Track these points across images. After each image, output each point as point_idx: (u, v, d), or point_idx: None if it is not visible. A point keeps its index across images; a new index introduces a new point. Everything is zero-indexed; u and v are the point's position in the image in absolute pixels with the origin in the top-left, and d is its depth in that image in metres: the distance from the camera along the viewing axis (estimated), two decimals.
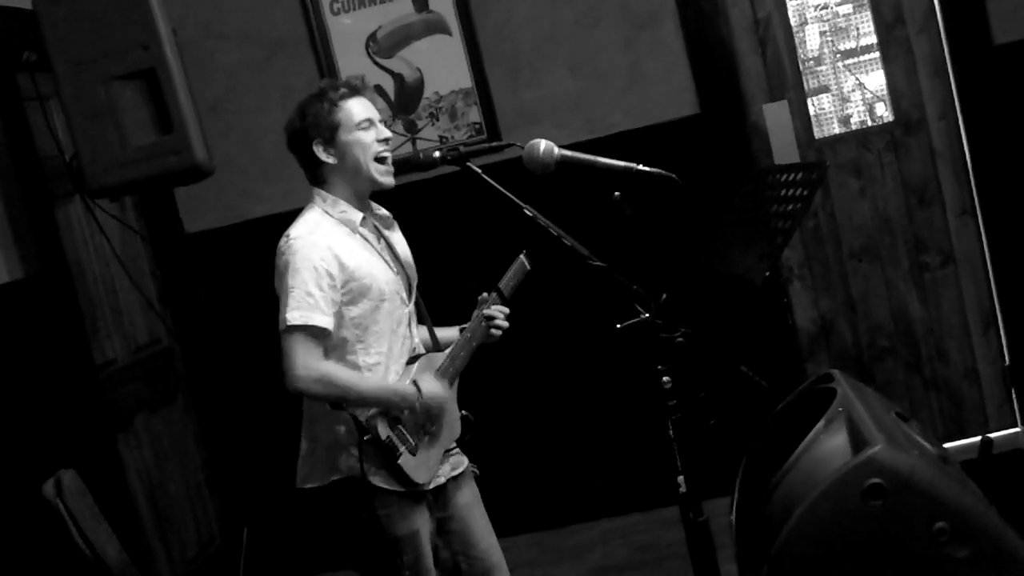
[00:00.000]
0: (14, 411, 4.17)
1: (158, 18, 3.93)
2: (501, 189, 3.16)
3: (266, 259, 3.31)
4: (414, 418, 3.30)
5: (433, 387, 3.33)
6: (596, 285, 3.03)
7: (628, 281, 3.00)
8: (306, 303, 3.17)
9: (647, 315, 2.98)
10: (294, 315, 3.16)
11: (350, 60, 5.34)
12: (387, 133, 3.36)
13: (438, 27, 5.35)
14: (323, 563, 5.43)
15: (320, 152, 3.31)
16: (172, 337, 5.37)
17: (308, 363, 3.17)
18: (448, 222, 5.17)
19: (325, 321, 3.18)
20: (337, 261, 3.22)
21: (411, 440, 3.27)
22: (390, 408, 3.26)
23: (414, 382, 3.30)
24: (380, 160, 3.32)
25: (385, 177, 3.33)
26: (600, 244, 3.13)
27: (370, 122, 3.33)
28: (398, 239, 3.48)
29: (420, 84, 5.40)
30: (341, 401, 3.20)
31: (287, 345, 3.18)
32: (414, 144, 5.35)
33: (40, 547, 4.05)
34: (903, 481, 2.72)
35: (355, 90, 3.36)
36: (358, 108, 3.32)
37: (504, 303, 3.46)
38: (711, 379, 3.21)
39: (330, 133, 3.30)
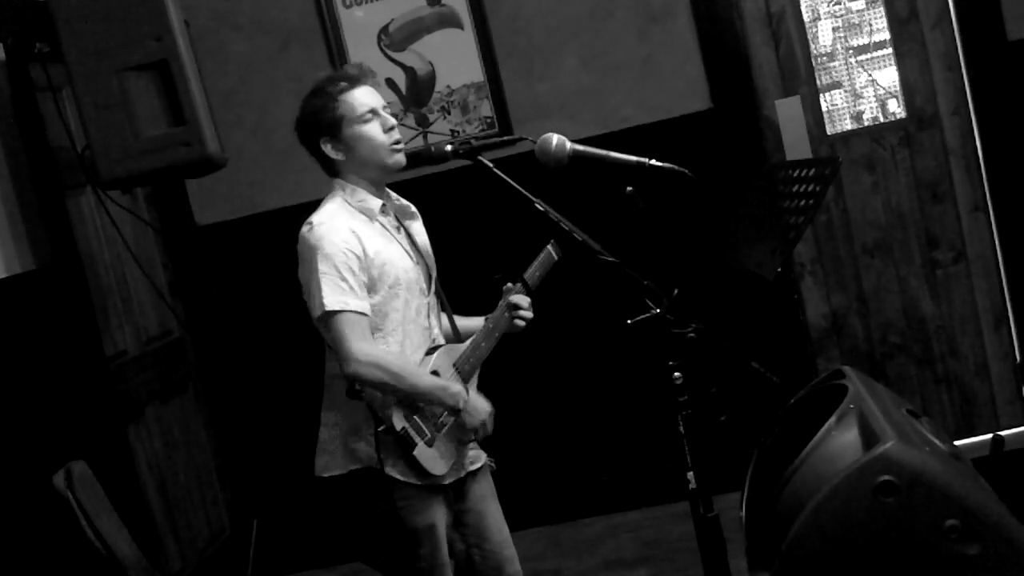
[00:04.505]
0: (25, 402, 4.18)
1: (170, 9, 3.94)
2: (513, 183, 3.15)
3: (277, 251, 3.32)
4: (433, 406, 3.30)
5: (479, 402, 3.34)
6: (608, 280, 3.03)
7: (640, 276, 2.99)
8: (340, 288, 3.17)
9: (658, 310, 2.97)
10: (331, 300, 3.16)
11: (362, 53, 5.33)
12: (392, 120, 3.33)
13: (450, 20, 5.35)
14: (334, 555, 5.44)
15: (328, 149, 3.30)
16: (183, 328, 5.38)
17: (364, 347, 3.16)
18: (460, 216, 5.16)
19: (361, 305, 3.19)
20: (360, 245, 3.22)
21: (427, 432, 3.27)
22: (436, 403, 3.27)
23: (466, 387, 3.32)
24: (391, 146, 3.31)
25: (394, 157, 3.32)
26: (612, 239, 3.12)
27: (373, 112, 3.30)
28: (418, 229, 3.48)
29: (432, 78, 5.40)
30: (392, 389, 3.20)
31: (339, 330, 3.17)
32: (425, 138, 5.35)
33: (50, 538, 4.06)
34: (914, 478, 2.71)
35: (353, 80, 3.32)
36: (360, 99, 3.29)
37: (529, 293, 3.46)
38: (722, 374, 3.21)
39: (334, 129, 3.28)
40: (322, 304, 3.16)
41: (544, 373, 5.38)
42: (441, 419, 3.32)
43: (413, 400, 3.25)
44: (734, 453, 3.99)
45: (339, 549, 5.34)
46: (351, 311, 3.17)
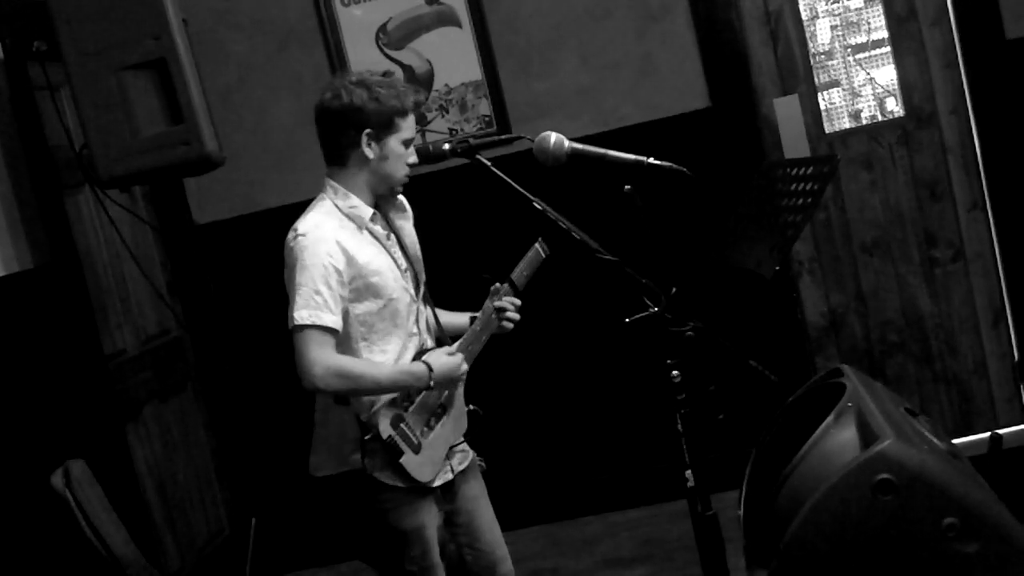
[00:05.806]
0: (24, 401, 4.18)
1: (169, 8, 3.93)
2: (511, 182, 3.15)
3: (276, 250, 3.31)
4: (421, 410, 3.29)
5: (443, 362, 3.31)
6: (606, 278, 3.03)
7: (638, 275, 2.99)
8: (314, 301, 3.16)
9: (656, 309, 2.97)
10: (302, 314, 3.16)
11: (360, 51, 5.34)
12: (415, 158, 3.34)
13: (448, 19, 5.35)
14: (332, 554, 5.45)
15: (364, 142, 3.25)
16: (182, 327, 5.38)
17: (322, 360, 3.16)
18: (457, 215, 5.16)
19: (333, 320, 3.18)
20: (345, 257, 3.20)
21: (414, 439, 3.26)
22: (407, 389, 3.26)
23: (425, 361, 3.29)
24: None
25: (400, 187, 3.37)
26: (610, 237, 3.12)
27: (410, 143, 3.32)
28: (408, 230, 3.46)
29: (430, 76, 5.40)
30: (357, 392, 3.20)
31: (300, 344, 3.17)
32: (424, 136, 5.35)
33: (49, 537, 4.06)
34: (912, 476, 2.71)
35: (418, 107, 3.38)
36: (411, 127, 3.32)
37: (516, 294, 3.45)
38: (720, 373, 3.21)
39: (383, 132, 3.26)
40: (292, 317, 3.17)
41: (542, 371, 5.38)
42: (430, 421, 3.32)
43: (386, 396, 3.25)
44: (732, 451, 3.98)
45: (338, 548, 5.35)
46: (318, 326, 3.16)
